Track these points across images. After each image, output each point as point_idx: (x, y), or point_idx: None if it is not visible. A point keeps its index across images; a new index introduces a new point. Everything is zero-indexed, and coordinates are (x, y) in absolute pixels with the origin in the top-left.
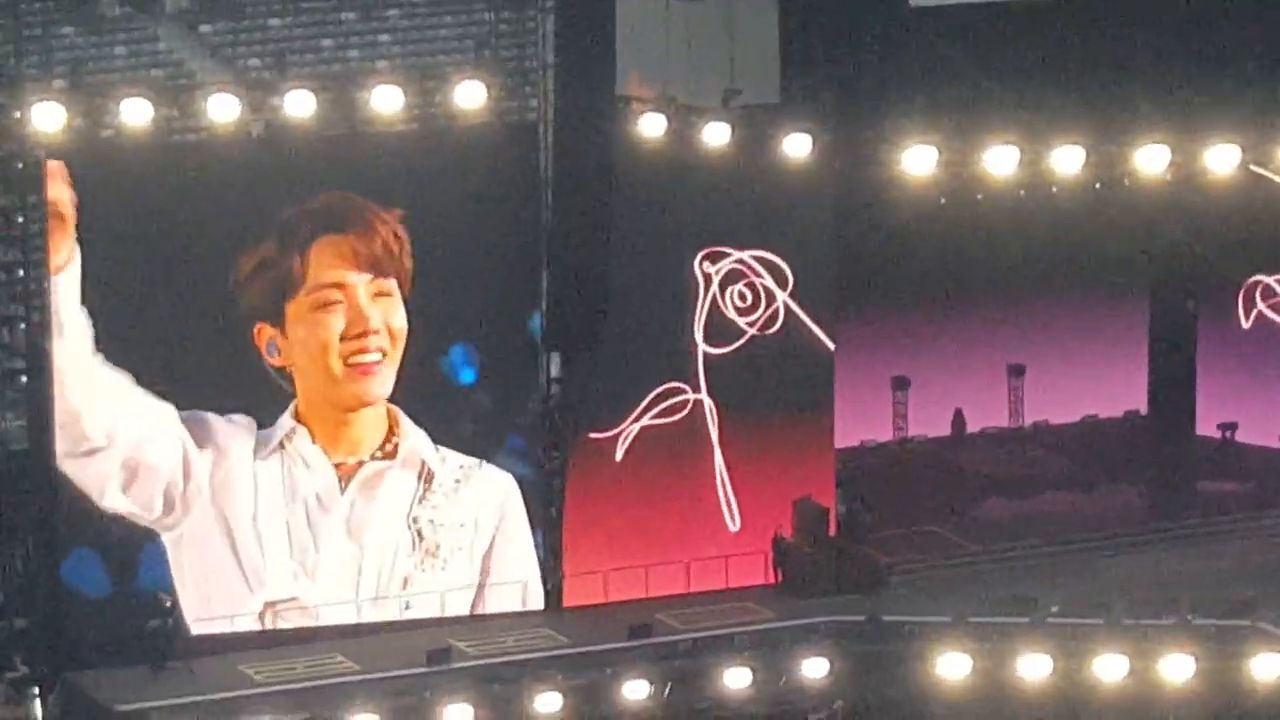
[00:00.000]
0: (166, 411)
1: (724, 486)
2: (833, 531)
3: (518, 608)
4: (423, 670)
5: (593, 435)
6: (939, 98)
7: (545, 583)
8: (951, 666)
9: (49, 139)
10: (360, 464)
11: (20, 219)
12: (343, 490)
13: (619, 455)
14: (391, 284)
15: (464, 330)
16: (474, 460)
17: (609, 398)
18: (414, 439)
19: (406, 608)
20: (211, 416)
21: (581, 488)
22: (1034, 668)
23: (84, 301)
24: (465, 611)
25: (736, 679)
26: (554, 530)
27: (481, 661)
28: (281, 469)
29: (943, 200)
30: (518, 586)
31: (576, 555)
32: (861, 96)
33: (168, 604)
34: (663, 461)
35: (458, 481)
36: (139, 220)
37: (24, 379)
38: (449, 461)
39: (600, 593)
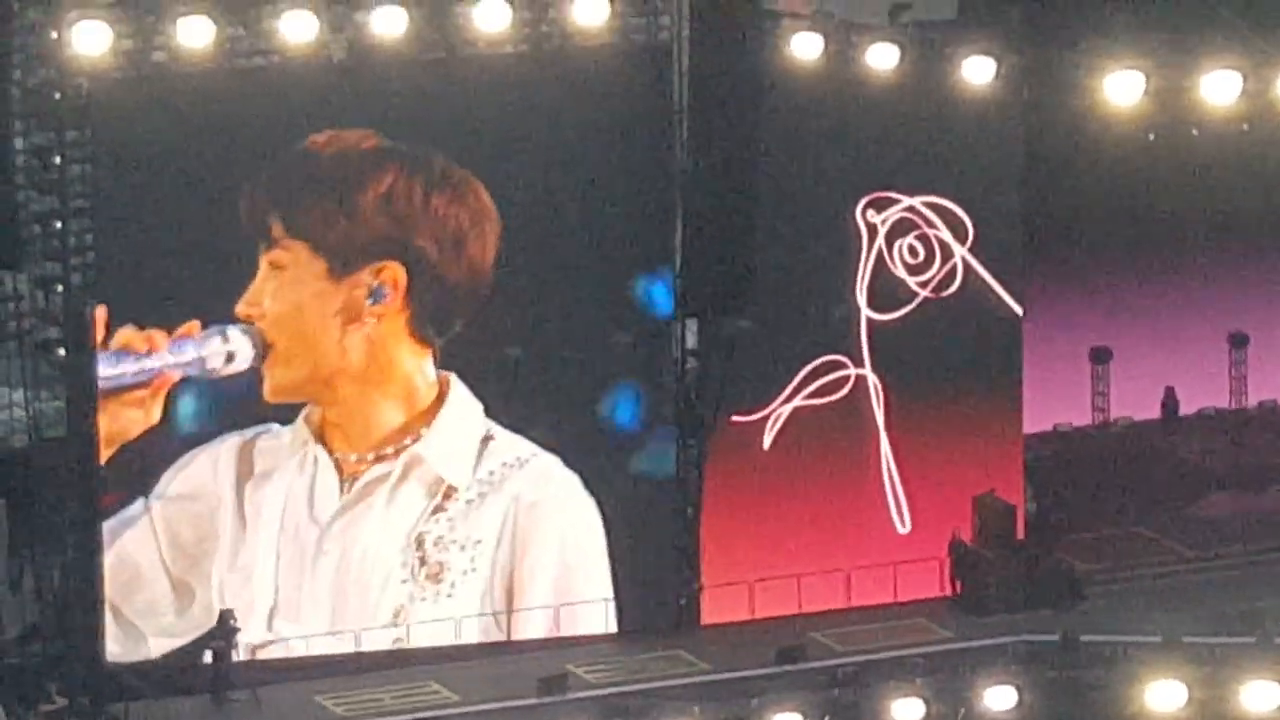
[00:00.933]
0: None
1: (891, 480)
2: (1021, 534)
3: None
4: (533, 701)
5: (735, 419)
6: (1146, 12)
7: (678, 597)
8: (1163, 696)
9: (92, 64)
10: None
11: (58, 159)
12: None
13: (767, 442)
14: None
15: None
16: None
17: (755, 374)
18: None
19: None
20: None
21: (722, 482)
22: (1263, 697)
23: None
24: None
25: (907, 712)
26: (690, 533)
27: (604, 691)
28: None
29: (1152, 136)
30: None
31: (716, 563)
32: (1054, 11)
33: (232, 623)
34: (818, 449)
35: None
36: (196, 159)
37: (62, 351)
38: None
39: (744, 608)
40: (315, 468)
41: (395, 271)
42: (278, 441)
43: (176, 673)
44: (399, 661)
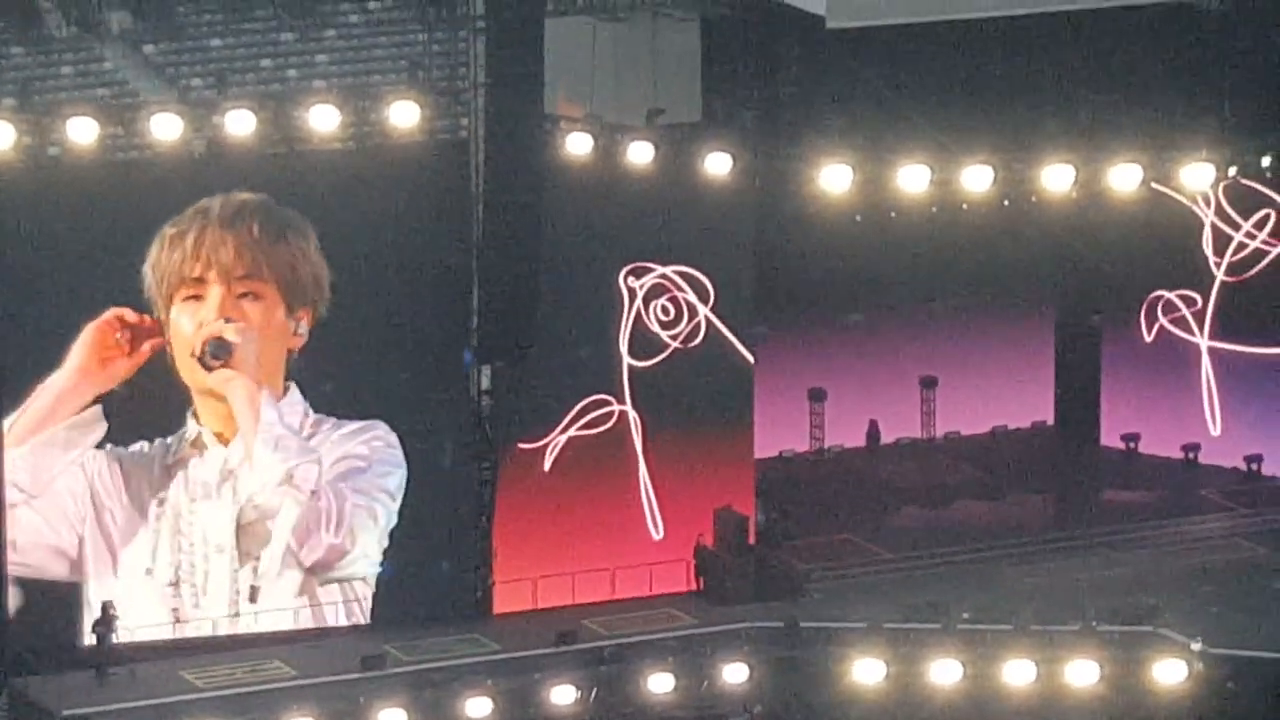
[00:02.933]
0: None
1: (648, 496)
2: (752, 540)
3: None
4: (358, 675)
5: (522, 446)
6: (855, 118)
7: (475, 590)
8: (867, 671)
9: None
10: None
11: None
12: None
13: (547, 465)
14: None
15: (395, 343)
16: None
17: (537, 409)
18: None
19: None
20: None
21: (511, 497)
22: (945, 672)
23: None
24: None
25: (660, 684)
26: (485, 539)
27: (414, 667)
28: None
29: (858, 217)
30: None
31: (506, 563)
32: (780, 116)
33: (111, 611)
34: (589, 471)
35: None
36: (82, 235)
37: None
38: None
39: (529, 600)
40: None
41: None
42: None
43: (67, 651)
44: (248, 643)
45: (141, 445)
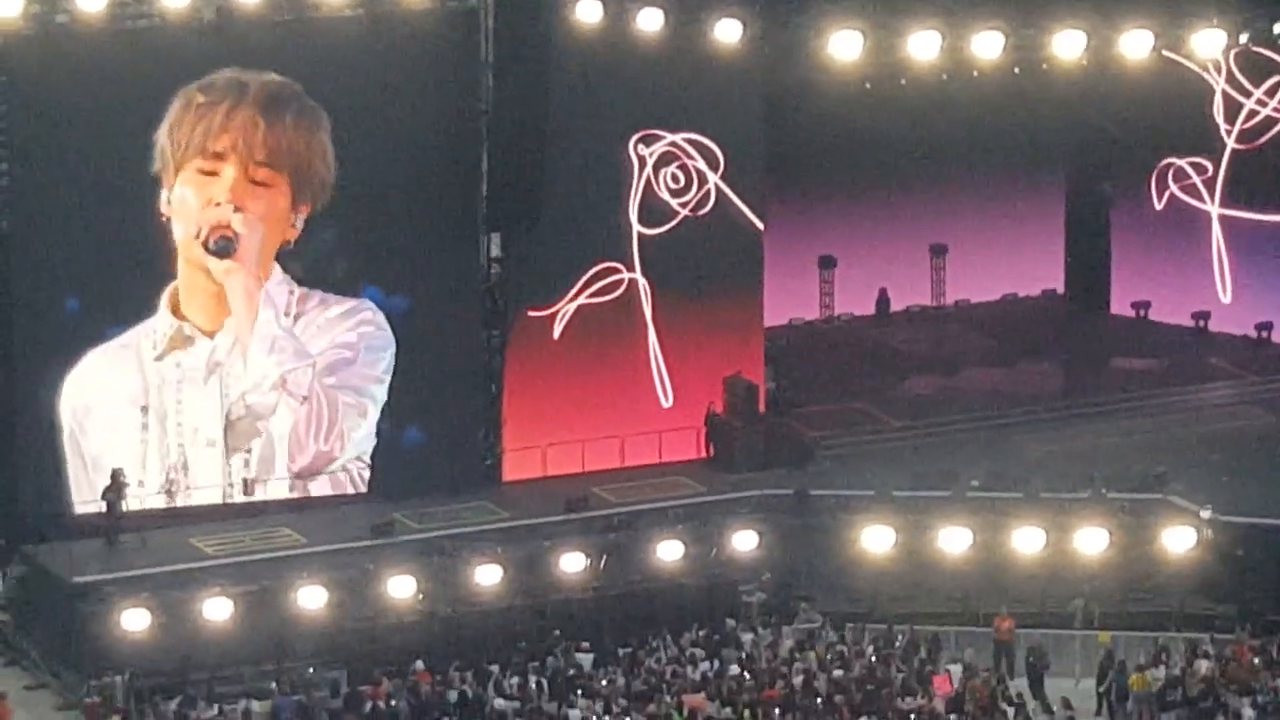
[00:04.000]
0: None
1: (657, 364)
2: (762, 408)
3: None
4: (367, 543)
5: (531, 313)
6: None
7: (484, 458)
8: (876, 539)
9: (6, 24)
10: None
11: None
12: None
13: (557, 333)
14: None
15: (405, 212)
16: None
17: (547, 277)
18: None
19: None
20: None
21: (520, 365)
22: (955, 540)
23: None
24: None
25: (669, 551)
26: (494, 406)
27: (424, 535)
28: None
29: (868, 85)
30: None
31: (515, 431)
32: None
33: (123, 478)
34: (599, 339)
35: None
36: (91, 104)
37: None
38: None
39: (538, 467)
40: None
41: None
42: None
43: (78, 519)
44: (258, 510)
45: (126, 338)
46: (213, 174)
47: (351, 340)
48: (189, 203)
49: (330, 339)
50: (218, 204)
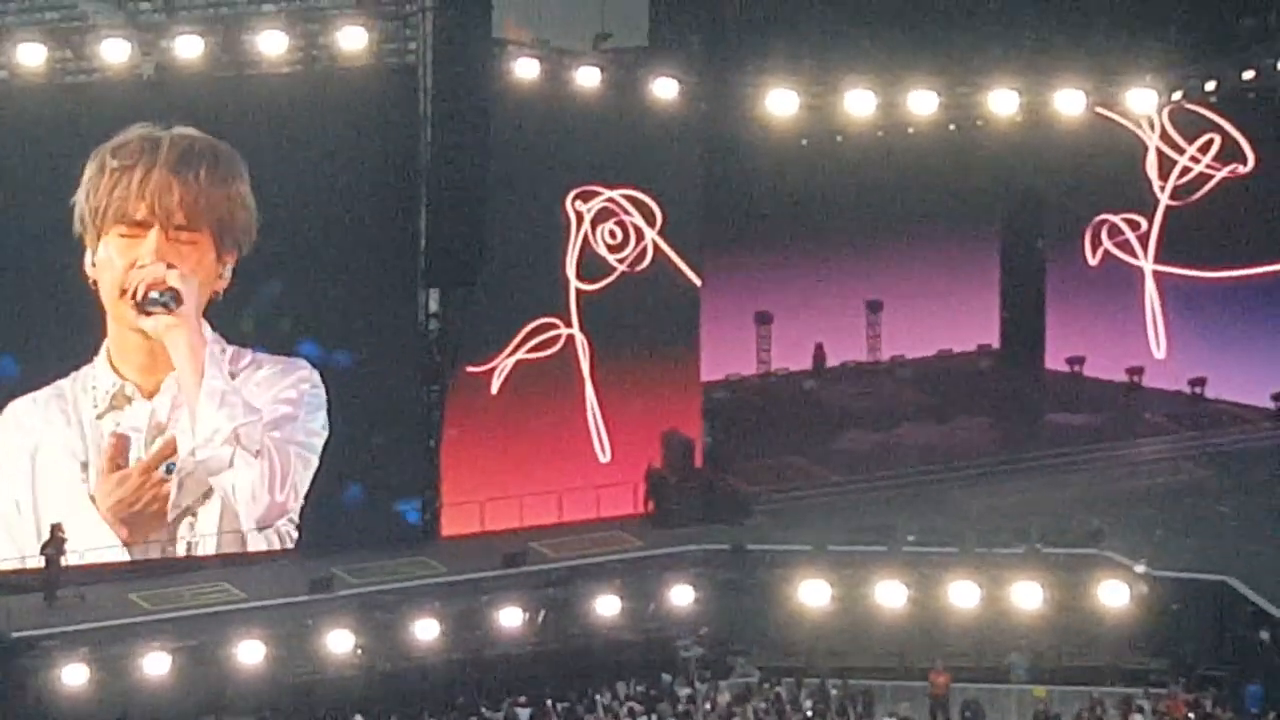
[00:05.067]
0: None
1: (595, 419)
2: (699, 462)
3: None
4: (306, 598)
5: (469, 369)
6: (801, 42)
7: (424, 511)
8: (813, 593)
9: None
10: None
11: None
12: None
13: (495, 388)
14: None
15: (344, 269)
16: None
17: (485, 333)
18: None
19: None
20: None
21: (458, 420)
22: (891, 594)
23: None
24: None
25: (607, 606)
26: (432, 462)
27: (362, 590)
28: None
29: (804, 141)
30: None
31: (453, 486)
32: (727, 41)
33: (61, 534)
34: (537, 394)
35: None
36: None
37: None
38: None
39: (476, 523)
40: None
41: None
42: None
43: (13, 576)
44: (195, 565)
45: (61, 386)
46: (135, 236)
47: (293, 396)
48: (114, 263)
49: (273, 395)
50: (142, 265)
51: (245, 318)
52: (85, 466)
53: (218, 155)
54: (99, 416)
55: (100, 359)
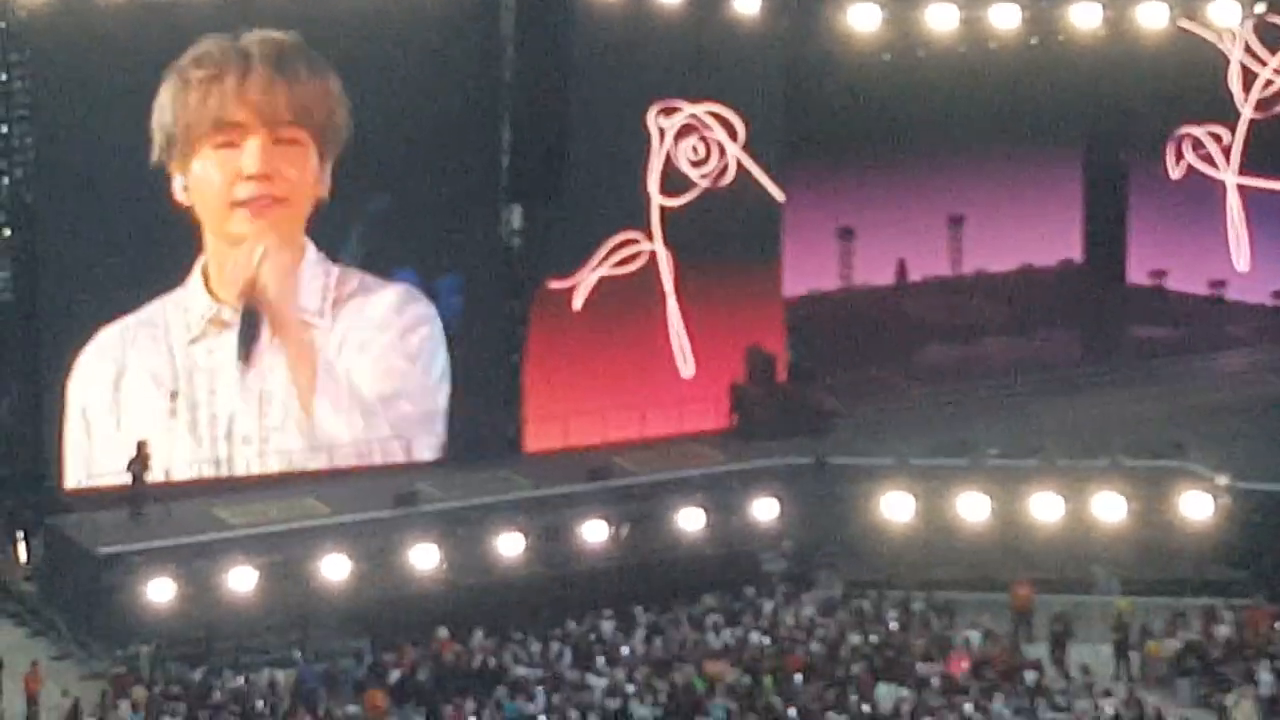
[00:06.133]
0: None
1: (678, 334)
2: (782, 377)
3: None
4: (390, 513)
5: (552, 284)
6: None
7: (505, 429)
8: (895, 507)
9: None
10: None
11: (3, 76)
12: None
13: (578, 304)
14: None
15: (428, 185)
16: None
17: (568, 248)
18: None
19: None
20: None
21: (541, 336)
22: (973, 507)
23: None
24: None
25: (690, 520)
26: (515, 377)
27: (447, 505)
28: None
29: (887, 56)
30: None
31: (537, 401)
32: None
33: (147, 450)
34: (620, 310)
35: None
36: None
37: (7, 231)
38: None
39: (560, 437)
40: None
41: None
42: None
43: (103, 492)
44: (283, 481)
45: (151, 311)
46: (233, 145)
47: (411, 351)
48: (213, 179)
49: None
50: (250, 176)
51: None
52: (174, 395)
53: (310, 56)
54: (192, 342)
55: (194, 283)
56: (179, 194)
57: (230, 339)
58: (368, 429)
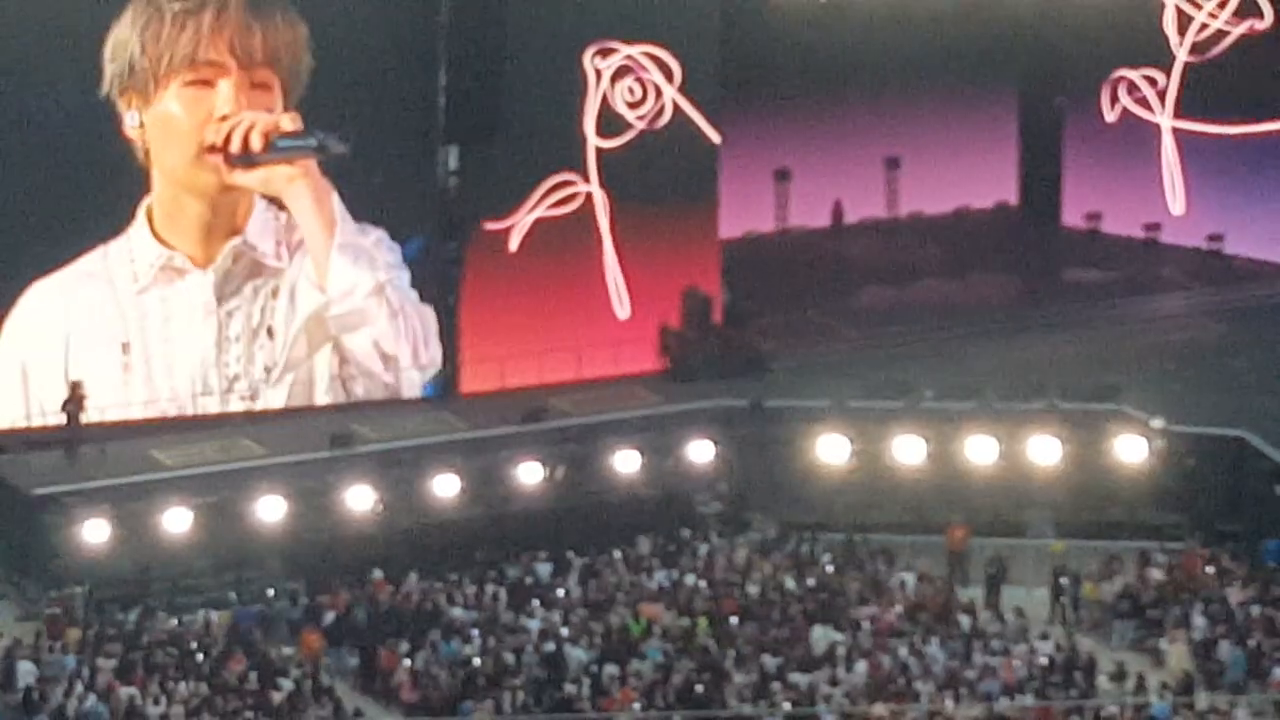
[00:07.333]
0: None
1: (614, 276)
2: (718, 319)
3: None
4: (326, 454)
5: (488, 225)
6: None
7: (443, 368)
8: (831, 449)
9: None
10: None
11: None
12: None
13: (514, 245)
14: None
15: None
16: None
17: (504, 189)
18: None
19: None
20: None
21: (477, 276)
22: (909, 450)
23: None
24: None
25: (626, 462)
26: (450, 317)
27: (382, 446)
28: None
29: None
30: None
31: (473, 343)
32: None
33: (82, 390)
34: (556, 251)
35: None
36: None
37: None
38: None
39: (496, 379)
40: None
41: None
42: None
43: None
44: (220, 422)
45: (88, 263)
46: (206, 84)
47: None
48: (180, 118)
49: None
50: (225, 116)
51: None
52: (127, 347)
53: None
54: (140, 292)
55: (138, 228)
56: (129, 130)
57: (185, 285)
58: (392, 281)
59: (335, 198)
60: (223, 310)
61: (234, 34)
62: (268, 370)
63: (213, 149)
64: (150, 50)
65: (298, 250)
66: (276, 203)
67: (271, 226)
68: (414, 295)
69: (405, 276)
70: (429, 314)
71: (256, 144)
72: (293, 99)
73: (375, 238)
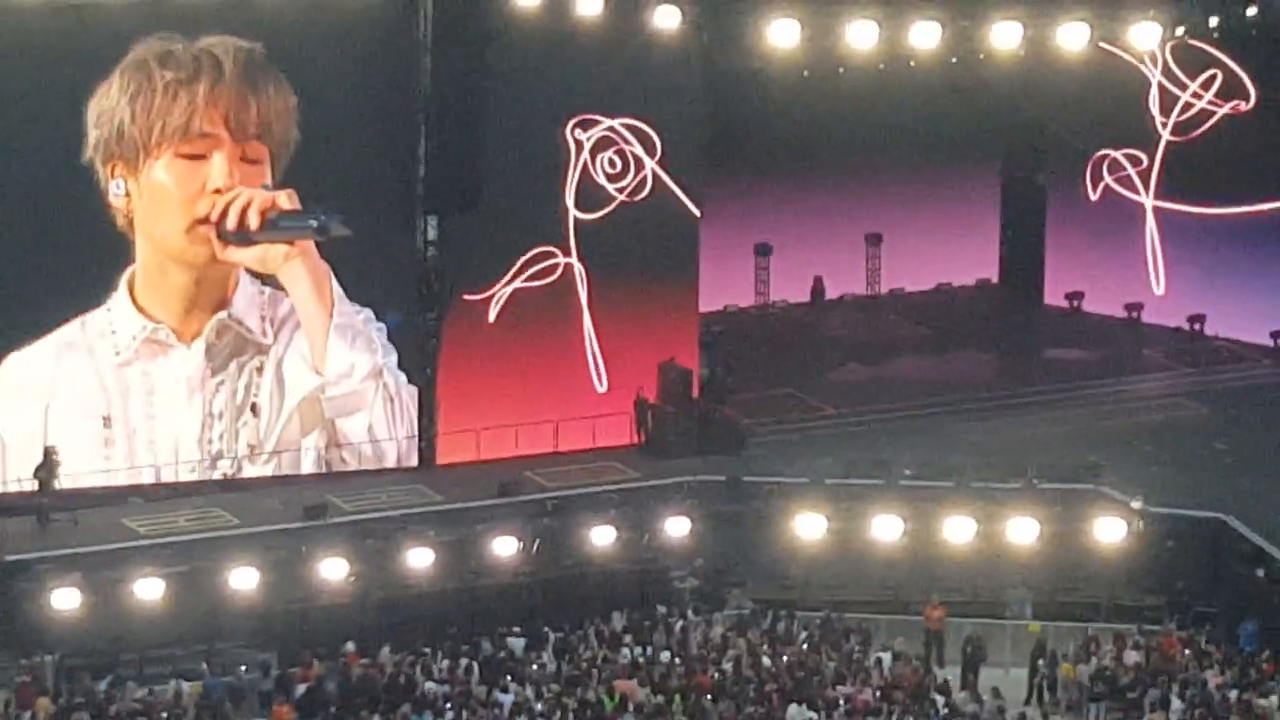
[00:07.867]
0: None
1: (592, 349)
2: (696, 393)
3: None
4: (300, 525)
5: (467, 297)
6: None
7: (418, 441)
8: (808, 526)
9: None
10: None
11: None
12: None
13: (492, 316)
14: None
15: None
16: None
17: (483, 261)
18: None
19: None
20: None
21: (455, 348)
22: (886, 528)
23: None
24: None
25: (601, 536)
26: (428, 388)
27: (356, 517)
28: None
29: (806, 73)
30: None
31: (450, 414)
32: None
33: (55, 456)
34: (534, 323)
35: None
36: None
37: None
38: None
39: (472, 450)
40: None
41: None
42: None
43: (6, 500)
44: (194, 490)
45: (69, 334)
46: (199, 157)
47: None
48: (170, 189)
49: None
50: (219, 189)
51: None
52: (108, 420)
53: (275, 71)
54: (122, 365)
55: (119, 300)
56: (114, 198)
57: (167, 361)
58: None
59: (332, 277)
60: (207, 387)
61: (229, 106)
62: (251, 448)
63: (205, 220)
64: (140, 119)
65: (283, 327)
66: (260, 277)
67: (256, 301)
68: (403, 378)
69: (394, 358)
70: (415, 395)
71: (254, 222)
72: (279, 170)
73: (364, 316)
